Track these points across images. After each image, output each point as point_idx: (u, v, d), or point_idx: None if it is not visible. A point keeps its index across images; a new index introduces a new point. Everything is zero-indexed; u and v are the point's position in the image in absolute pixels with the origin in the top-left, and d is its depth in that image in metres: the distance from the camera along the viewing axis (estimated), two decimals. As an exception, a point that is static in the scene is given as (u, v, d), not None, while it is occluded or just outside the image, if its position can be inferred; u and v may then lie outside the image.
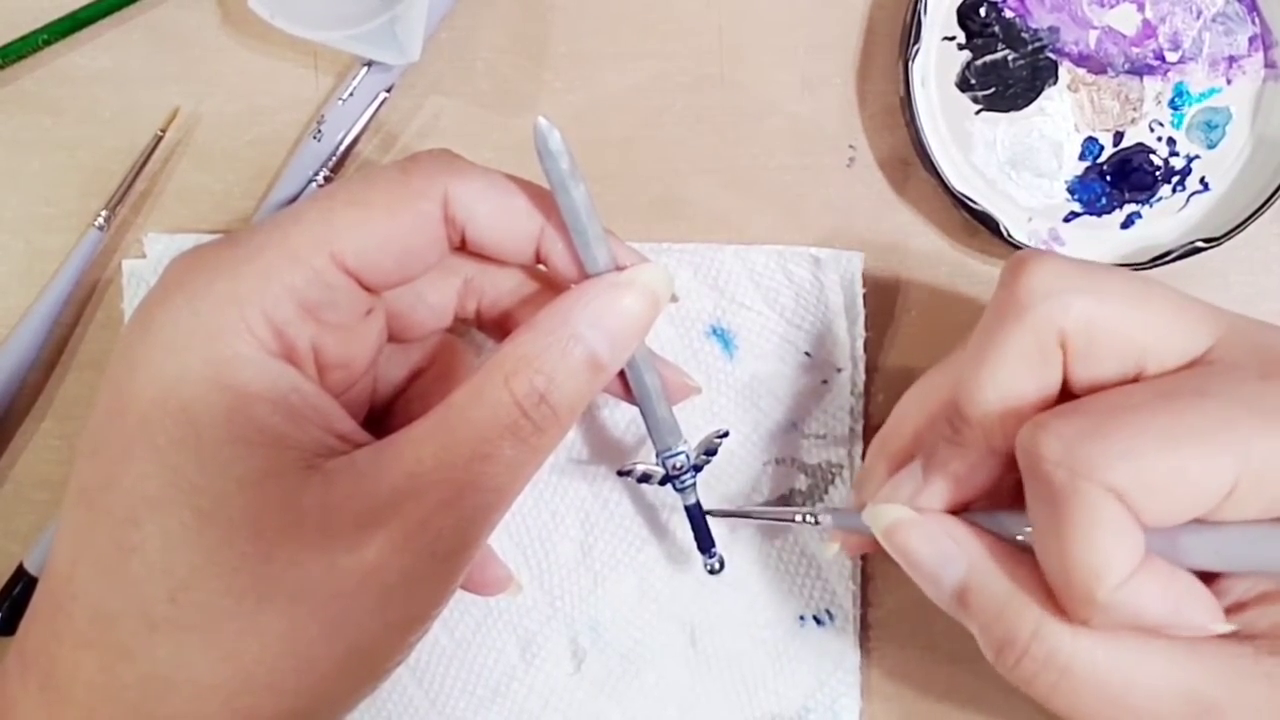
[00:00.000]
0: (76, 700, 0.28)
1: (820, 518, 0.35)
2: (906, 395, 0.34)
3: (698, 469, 0.36)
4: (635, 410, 0.35)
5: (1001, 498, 0.31)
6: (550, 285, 0.34)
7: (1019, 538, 0.30)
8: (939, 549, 0.30)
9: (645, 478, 0.37)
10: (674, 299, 0.34)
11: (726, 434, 0.36)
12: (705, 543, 0.37)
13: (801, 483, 0.40)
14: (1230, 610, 0.28)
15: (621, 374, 0.33)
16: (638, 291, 0.31)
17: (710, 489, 0.39)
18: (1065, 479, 0.26)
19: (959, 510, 0.31)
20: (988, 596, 0.29)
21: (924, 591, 0.31)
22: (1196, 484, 0.26)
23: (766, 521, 0.39)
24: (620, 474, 0.38)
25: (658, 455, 0.35)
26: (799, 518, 0.35)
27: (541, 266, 0.33)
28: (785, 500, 0.40)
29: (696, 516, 0.37)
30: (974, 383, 0.29)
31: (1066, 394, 0.29)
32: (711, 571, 0.37)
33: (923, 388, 0.34)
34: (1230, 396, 0.26)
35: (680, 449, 0.35)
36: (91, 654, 0.28)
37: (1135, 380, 0.28)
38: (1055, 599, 0.28)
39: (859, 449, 0.40)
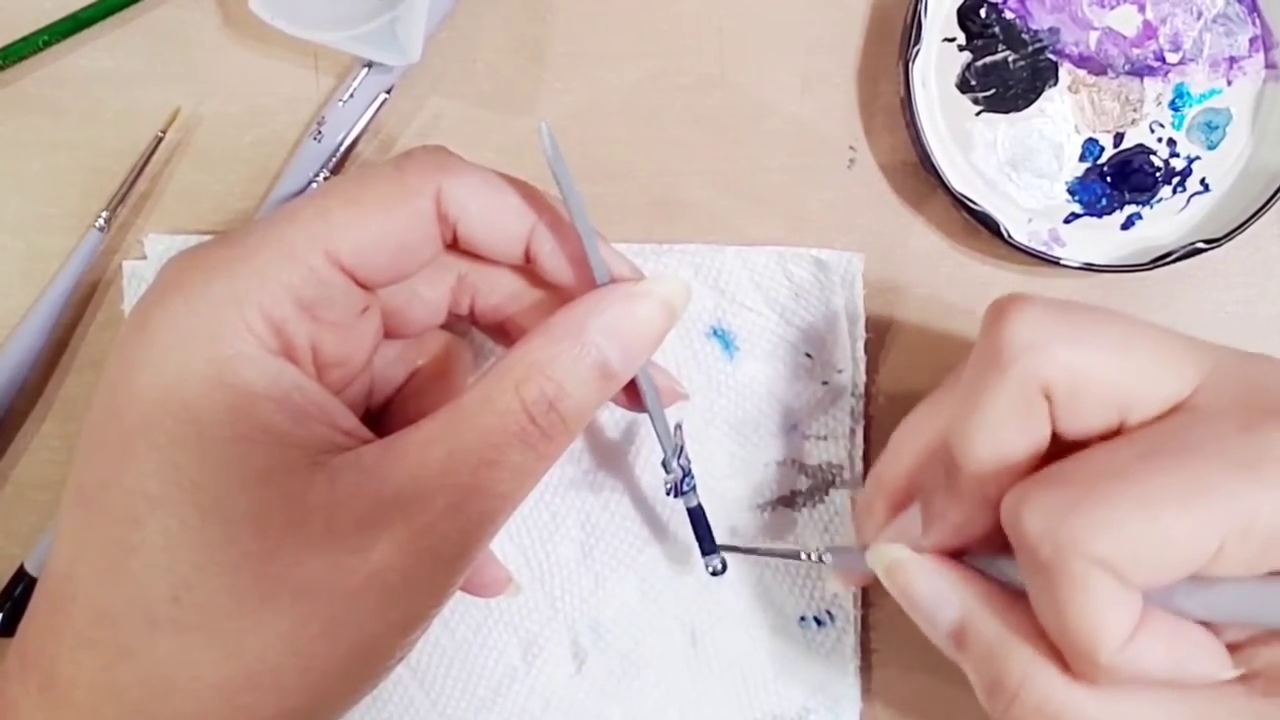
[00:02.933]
0: (77, 700, 0.28)
1: (825, 557, 0.35)
2: (898, 432, 0.34)
3: (687, 473, 0.36)
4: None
5: (1001, 539, 0.31)
6: (543, 285, 0.34)
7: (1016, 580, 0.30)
8: (936, 590, 0.30)
9: (677, 490, 0.36)
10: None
11: (680, 425, 0.36)
12: (707, 545, 0.37)
13: (802, 483, 0.40)
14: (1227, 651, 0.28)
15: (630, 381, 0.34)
16: (655, 303, 0.31)
17: (711, 490, 0.39)
18: (1051, 554, 0.26)
19: (959, 553, 0.31)
20: (981, 639, 0.29)
21: (922, 631, 0.31)
22: (1183, 547, 0.26)
23: (773, 557, 0.39)
24: (673, 495, 0.37)
25: (664, 461, 0.35)
26: (804, 556, 0.35)
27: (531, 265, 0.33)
28: (786, 501, 0.40)
29: (698, 519, 0.37)
30: (964, 439, 0.29)
31: (1056, 440, 0.29)
32: (714, 573, 0.37)
33: (913, 425, 0.34)
34: (1211, 453, 0.26)
35: (679, 451, 0.35)
36: (92, 654, 0.28)
37: (1120, 428, 0.28)
38: (1048, 645, 0.28)
39: (859, 450, 0.40)
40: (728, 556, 0.38)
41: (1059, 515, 0.26)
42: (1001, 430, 0.28)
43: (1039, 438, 0.29)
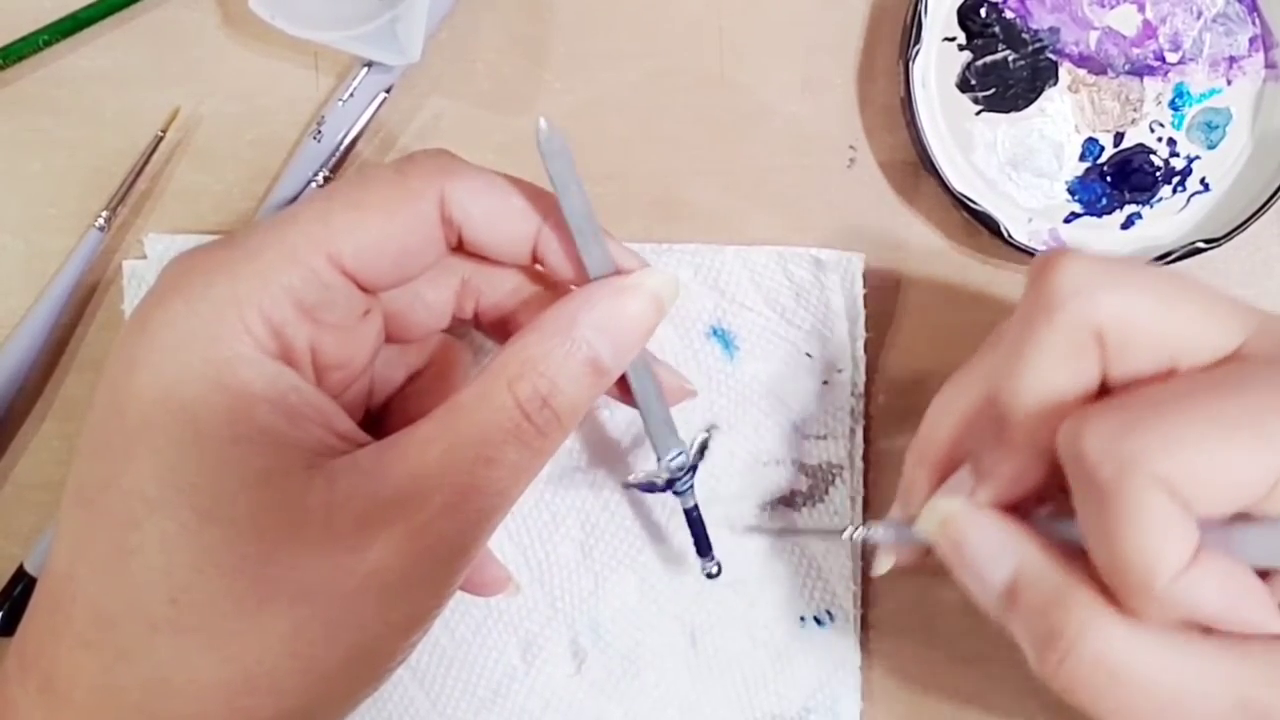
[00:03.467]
0: (76, 701, 0.28)
1: (871, 535, 0.34)
2: (936, 402, 0.34)
3: (694, 469, 0.36)
4: (633, 411, 0.35)
5: (1052, 495, 0.30)
6: (548, 286, 0.34)
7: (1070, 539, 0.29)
8: (991, 543, 0.30)
9: (650, 486, 0.36)
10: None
11: (715, 427, 0.36)
12: (703, 547, 0.37)
13: (802, 483, 0.40)
14: None
15: (621, 377, 0.33)
16: (643, 297, 0.31)
17: (711, 490, 0.39)
18: (1111, 473, 0.26)
19: (1012, 510, 0.31)
20: (1036, 592, 0.28)
21: (971, 592, 0.30)
22: (1242, 474, 0.25)
23: (813, 534, 0.39)
24: (626, 486, 0.38)
25: (658, 459, 0.35)
26: (847, 534, 0.35)
27: (539, 267, 0.33)
28: (786, 501, 0.40)
29: (695, 521, 0.37)
30: (1013, 385, 0.29)
31: (1104, 391, 0.29)
32: (710, 576, 0.37)
33: (951, 393, 0.34)
34: (1270, 388, 0.26)
35: (679, 451, 0.35)
36: (91, 655, 0.28)
37: (1171, 374, 0.28)
38: (1107, 599, 0.27)
39: (859, 450, 0.40)
40: (728, 558, 0.38)
41: (1121, 434, 0.26)
42: (1053, 375, 0.28)
43: (1089, 382, 0.28)
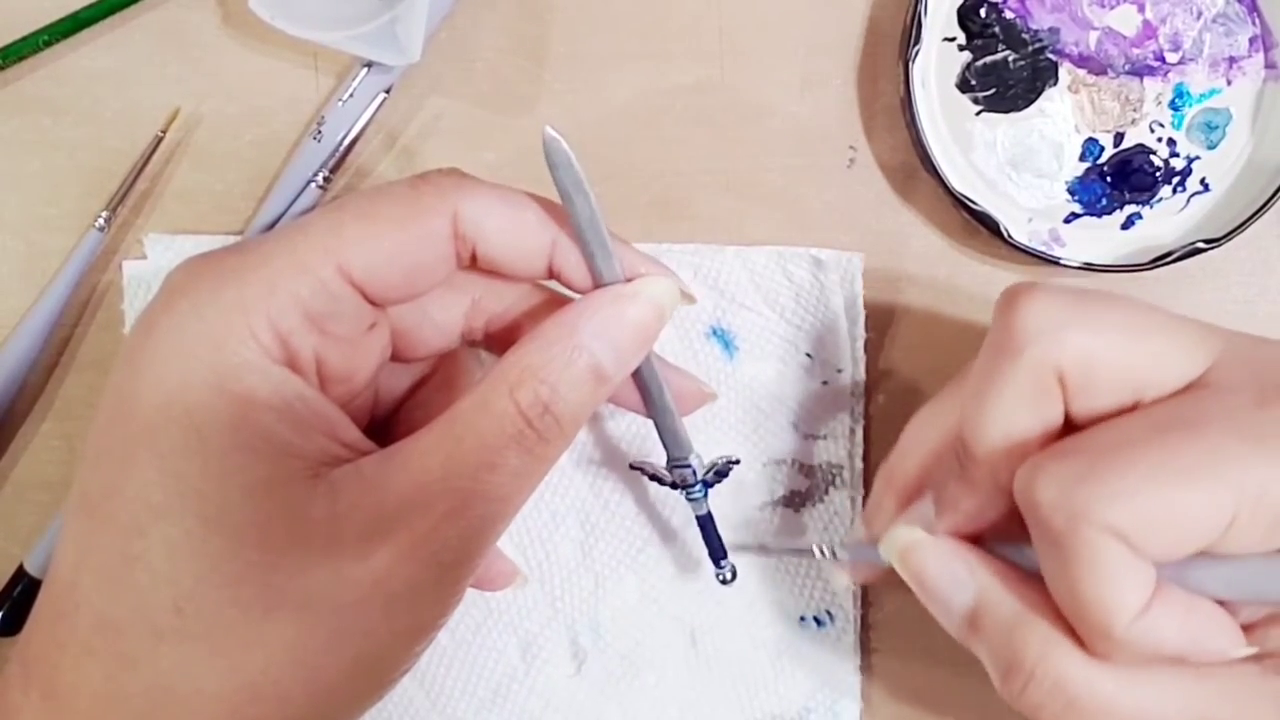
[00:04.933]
0: (80, 710, 0.28)
1: (838, 552, 0.35)
2: (909, 428, 0.34)
3: (708, 485, 0.36)
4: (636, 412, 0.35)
5: (1012, 530, 0.31)
6: (560, 305, 0.34)
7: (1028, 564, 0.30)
8: (951, 572, 0.30)
9: (656, 478, 0.37)
10: (691, 300, 0.34)
11: (738, 461, 0.37)
12: (717, 553, 0.37)
13: (801, 483, 0.40)
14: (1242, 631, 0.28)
15: (634, 383, 0.33)
16: (643, 303, 0.31)
17: (711, 489, 0.39)
18: (1063, 524, 0.26)
19: (972, 541, 0.31)
20: (997, 620, 0.29)
21: (936, 618, 0.31)
22: (1195, 518, 0.26)
23: (784, 554, 0.39)
24: (632, 467, 0.38)
25: (667, 463, 0.35)
26: (816, 552, 0.35)
27: (552, 282, 0.33)
28: (786, 501, 0.40)
29: (708, 527, 0.37)
30: (976, 424, 0.29)
31: (1069, 424, 0.29)
32: (724, 582, 0.37)
33: (924, 420, 0.34)
34: (1225, 426, 0.26)
35: (689, 461, 0.35)
36: (95, 663, 0.28)
37: (1134, 407, 0.28)
38: (1065, 624, 0.28)
39: (859, 449, 0.40)
40: (734, 560, 0.38)
41: (1072, 484, 0.26)
42: (1015, 414, 0.29)
43: (1052, 421, 0.29)
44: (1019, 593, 0.29)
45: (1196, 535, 0.26)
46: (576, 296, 0.32)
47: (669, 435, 0.35)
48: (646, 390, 0.34)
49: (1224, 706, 0.27)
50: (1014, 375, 0.28)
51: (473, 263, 0.32)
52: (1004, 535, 0.31)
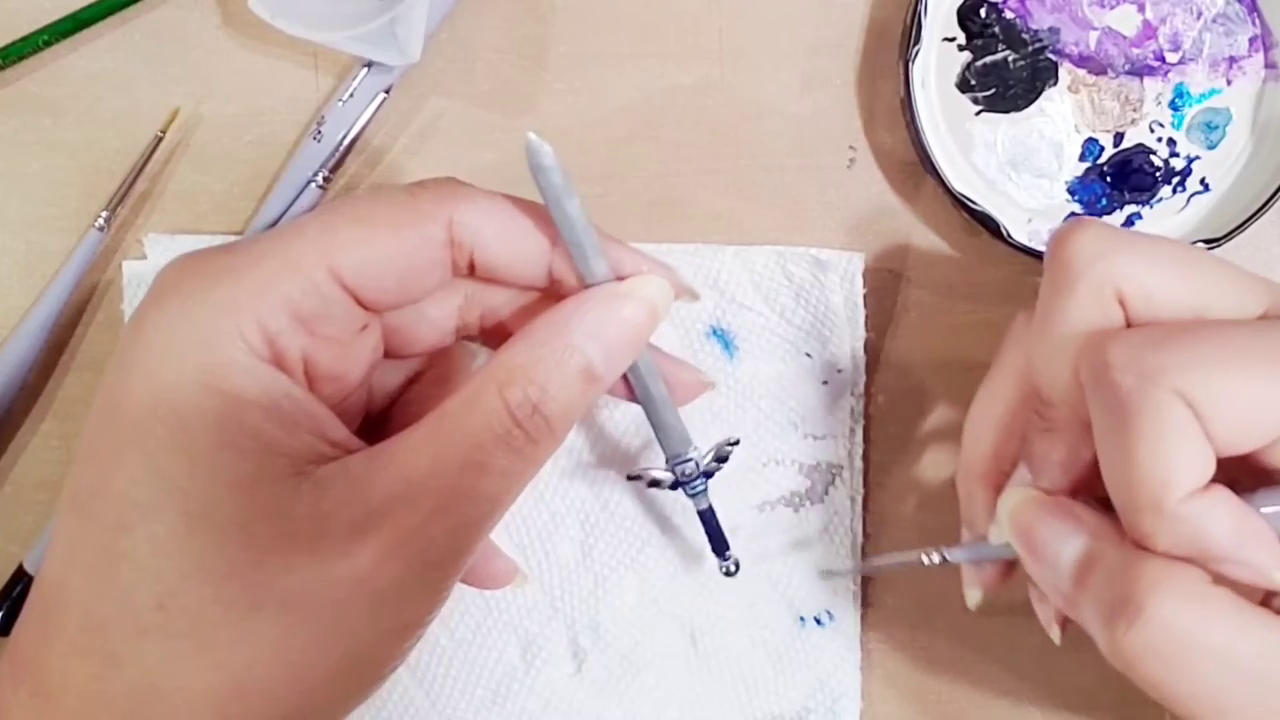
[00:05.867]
0: (67, 707, 0.28)
1: (948, 556, 0.34)
2: (970, 417, 0.34)
3: (709, 475, 0.36)
4: (638, 411, 0.35)
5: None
6: (554, 299, 0.34)
7: None
8: (1060, 524, 0.29)
9: (655, 483, 0.36)
10: (694, 296, 0.33)
11: (738, 441, 0.36)
12: (720, 546, 0.37)
13: (802, 484, 0.40)
14: None
15: (627, 381, 0.33)
16: (637, 303, 0.31)
17: (711, 489, 0.39)
18: (1133, 383, 0.26)
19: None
20: (1106, 564, 0.28)
21: (1043, 584, 0.30)
22: (1263, 405, 0.25)
23: (893, 567, 0.38)
24: (630, 478, 0.38)
25: (667, 461, 0.35)
26: (925, 560, 0.34)
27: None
28: (786, 501, 0.40)
29: (710, 520, 0.37)
30: (1047, 359, 0.29)
31: None
32: (727, 574, 0.37)
33: (983, 402, 0.34)
34: None
35: (690, 455, 0.35)
36: (82, 661, 0.28)
37: None
38: (1179, 566, 0.26)
39: (859, 449, 0.40)
40: (740, 555, 0.38)
41: (1147, 348, 0.26)
42: (1082, 335, 0.28)
43: None
44: (1131, 541, 0.28)
45: (1261, 426, 0.25)
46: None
47: (666, 431, 0.35)
48: (642, 388, 0.33)
49: None
50: (1075, 300, 0.28)
51: (470, 271, 0.32)
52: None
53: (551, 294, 0.33)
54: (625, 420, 0.40)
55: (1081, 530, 0.29)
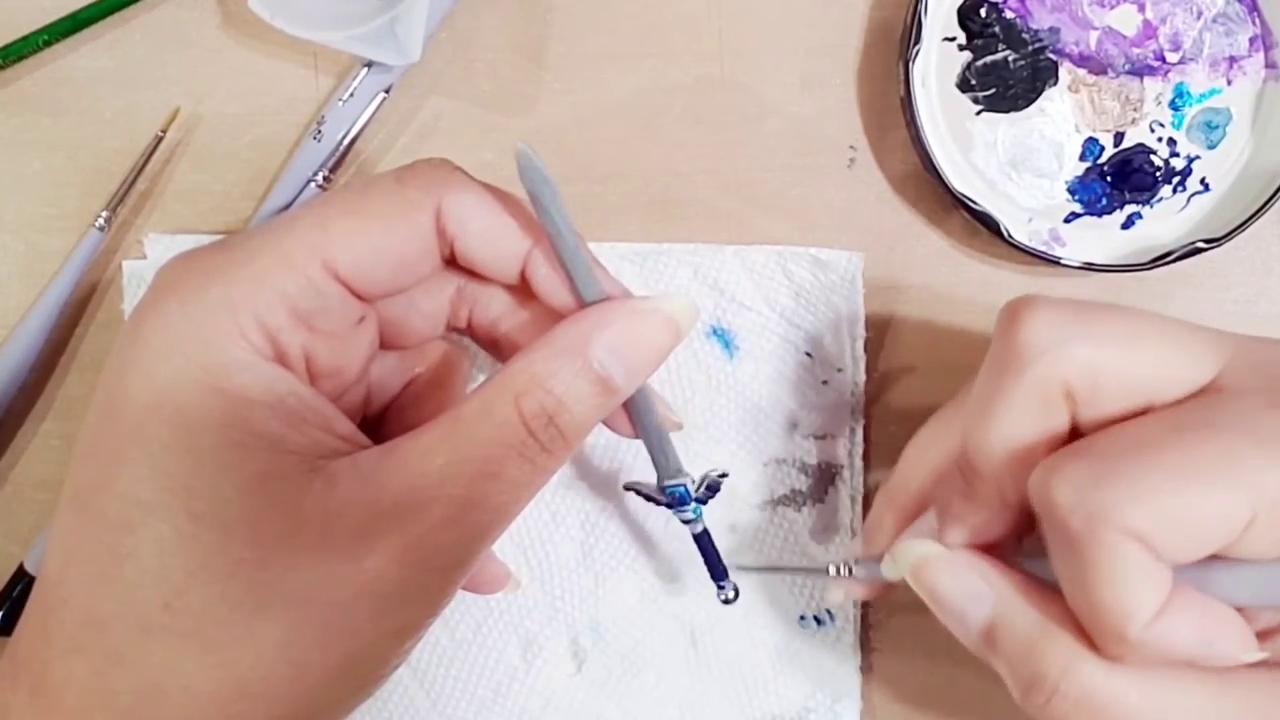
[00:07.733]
0: (68, 706, 0.28)
1: (854, 569, 0.34)
2: (910, 447, 0.34)
3: (701, 502, 0.35)
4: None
5: (1016, 543, 0.31)
6: (539, 303, 0.34)
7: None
8: (967, 585, 0.30)
9: (650, 498, 0.36)
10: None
11: (726, 475, 0.36)
12: (717, 572, 0.37)
13: (802, 483, 0.40)
14: (1259, 637, 0.28)
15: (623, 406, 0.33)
16: (661, 321, 0.31)
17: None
18: (1082, 525, 0.26)
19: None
20: (1016, 633, 0.29)
21: (951, 632, 0.30)
22: (1213, 520, 0.26)
23: (798, 573, 0.39)
24: (626, 489, 0.38)
25: (658, 486, 0.35)
26: (833, 571, 0.35)
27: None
28: (786, 500, 0.40)
29: (706, 545, 0.36)
30: (982, 439, 0.29)
31: (1075, 434, 0.29)
32: (726, 601, 0.37)
33: (925, 439, 0.34)
34: (1240, 428, 0.26)
35: (680, 481, 0.34)
36: (83, 659, 0.28)
37: (1145, 413, 0.28)
38: (1087, 637, 0.27)
39: (859, 449, 0.40)
40: (740, 555, 0.38)
41: (1090, 485, 0.26)
42: (1021, 429, 0.28)
43: (1057, 433, 0.29)
44: (1038, 605, 0.29)
45: (1214, 537, 0.26)
46: (551, 302, 0.32)
47: (660, 457, 0.34)
48: (636, 412, 0.33)
49: (1247, 716, 0.27)
50: (1019, 391, 0.28)
51: (452, 259, 0.32)
52: (1012, 550, 0.31)
53: (546, 308, 0.33)
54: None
55: (988, 596, 0.29)
